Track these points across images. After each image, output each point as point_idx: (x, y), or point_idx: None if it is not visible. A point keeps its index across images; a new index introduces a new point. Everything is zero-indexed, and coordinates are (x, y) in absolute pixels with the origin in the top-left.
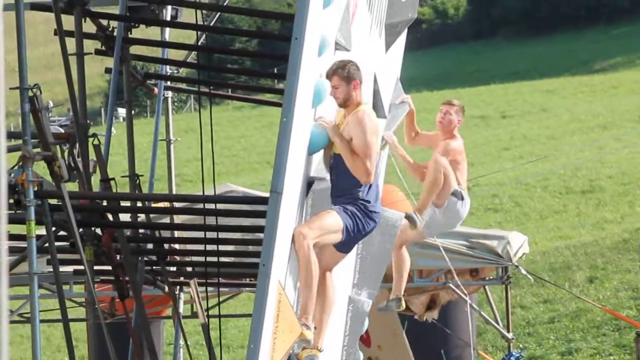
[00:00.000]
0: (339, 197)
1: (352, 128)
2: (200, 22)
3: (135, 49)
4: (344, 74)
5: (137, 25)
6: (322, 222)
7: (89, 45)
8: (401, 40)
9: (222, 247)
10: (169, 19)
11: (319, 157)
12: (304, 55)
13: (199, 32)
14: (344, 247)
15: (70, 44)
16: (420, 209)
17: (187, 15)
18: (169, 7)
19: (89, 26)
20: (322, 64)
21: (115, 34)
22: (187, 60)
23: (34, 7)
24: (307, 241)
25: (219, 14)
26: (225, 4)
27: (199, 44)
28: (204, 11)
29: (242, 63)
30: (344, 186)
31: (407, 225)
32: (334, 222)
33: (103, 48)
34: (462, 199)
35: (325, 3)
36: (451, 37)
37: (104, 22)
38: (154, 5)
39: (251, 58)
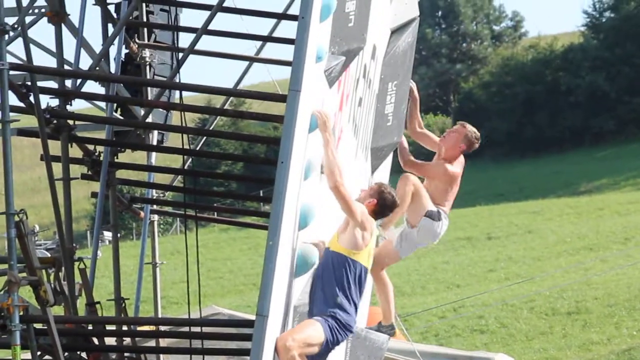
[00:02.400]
0: (319, 300)
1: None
2: (186, 146)
3: (121, 173)
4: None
5: (123, 149)
6: (305, 335)
7: (76, 169)
8: (387, 163)
9: None
10: (155, 143)
11: (303, 281)
12: (289, 179)
13: (185, 156)
14: (317, 358)
15: (57, 168)
16: (384, 224)
17: (174, 138)
18: (155, 132)
19: (75, 150)
20: (308, 188)
21: (101, 158)
22: (173, 184)
23: (21, 132)
24: (293, 353)
25: (205, 137)
26: (211, 127)
27: (185, 167)
28: (190, 135)
29: (227, 185)
30: (325, 294)
31: (383, 246)
32: (316, 334)
33: (89, 172)
34: (439, 219)
35: (311, 127)
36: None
37: (91, 146)
38: (140, 130)
39: (237, 181)
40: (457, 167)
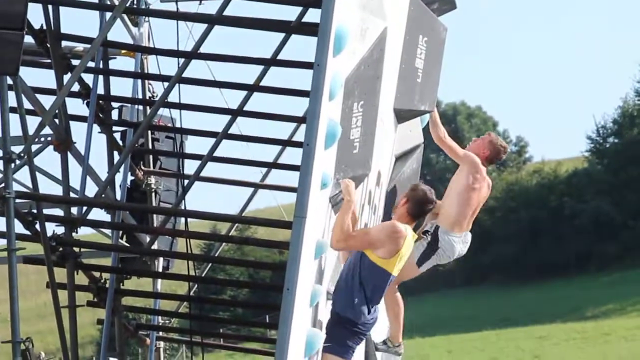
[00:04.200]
0: (340, 299)
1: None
2: (192, 273)
3: (127, 299)
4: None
5: (129, 276)
6: None
7: (81, 295)
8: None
9: None
10: (160, 269)
11: None
12: (295, 305)
13: (190, 283)
14: None
15: (63, 295)
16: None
17: (179, 264)
18: (161, 258)
19: (81, 277)
20: (313, 314)
21: (107, 285)
22: (179, 311)
23: (27, 260)
24: None
25: (210, 263)
26: (216, 254)
27: (191, 294)
28: (195, 261)
29: (233, 310)
30: (346, 294)
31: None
32: None
33: (95, 299)
34: (435, 250)
35: (316, 254)
36: (442, 284)
37: (96, 273)
38: (146, 256)
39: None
40: (483, 178)
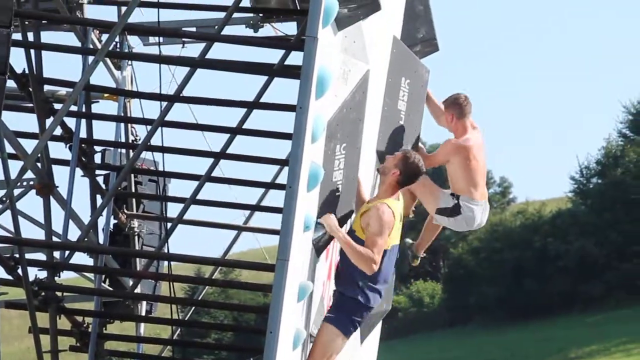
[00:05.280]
0: (343, 279)
1: (371, 217)
2: (175, 316)
3: (110, 344)
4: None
5: (112, 320)
6: (321, 350)
7: (64, 340)
8: (376, 331)
9: None
10: (144, 313)
11: None
12: (279, 349)
13: (174, 326)
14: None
15: (45, 339)
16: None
17: (163, 307)
18: (144, 302)
19: (63, 321)
20: (296, 357)
21: (90, 329)
22: (163, 355)
23: (9, 305)
24: None
25: (194, 307)
26: (200, 296)
27: (175, 337)
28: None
29: (218, 354)
30: (347, 275)
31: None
32: (330, 339)
33: (78, 344)
34: (455, 214)
35: (299, 296)
36: (427, 326)
37: (79, 318)
38: (129, 300)
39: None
40: (467, 140)
